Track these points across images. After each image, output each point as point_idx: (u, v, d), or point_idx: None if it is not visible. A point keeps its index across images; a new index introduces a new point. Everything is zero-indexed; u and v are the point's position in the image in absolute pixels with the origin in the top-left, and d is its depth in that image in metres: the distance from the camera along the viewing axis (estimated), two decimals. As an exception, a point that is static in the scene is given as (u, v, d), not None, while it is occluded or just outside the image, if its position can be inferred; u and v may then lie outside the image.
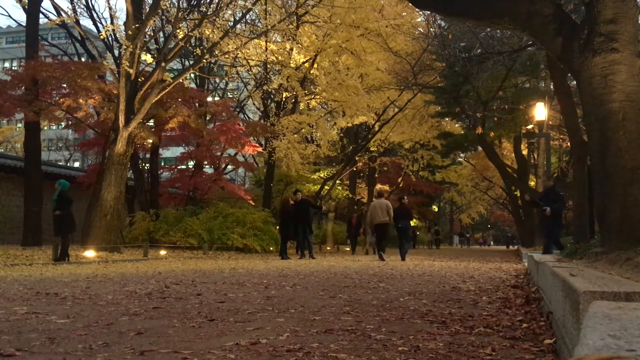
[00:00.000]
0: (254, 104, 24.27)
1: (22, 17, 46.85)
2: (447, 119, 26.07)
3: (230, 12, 16.20)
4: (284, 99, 19.73)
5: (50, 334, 2.51)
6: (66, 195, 10.11)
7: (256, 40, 17.08)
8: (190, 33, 13.45)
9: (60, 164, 32.54)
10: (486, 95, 18.64)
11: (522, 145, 24.17)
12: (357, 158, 24.06)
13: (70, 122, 17.68)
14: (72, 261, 9.81)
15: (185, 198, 19.62)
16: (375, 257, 13.55)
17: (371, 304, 3.76)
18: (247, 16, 18.10)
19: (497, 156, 21.01)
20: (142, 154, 20.12)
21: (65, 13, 14.53)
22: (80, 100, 15.84)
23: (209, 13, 14.15)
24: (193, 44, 18.89)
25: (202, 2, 16.17)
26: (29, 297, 4.06)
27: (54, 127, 40.00)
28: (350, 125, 20.59)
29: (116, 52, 16.00)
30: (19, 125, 32.39)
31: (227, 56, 16.60)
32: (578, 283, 1.81)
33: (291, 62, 18.50)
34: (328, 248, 22.05)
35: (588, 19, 4.63)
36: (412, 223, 16.64)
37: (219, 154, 19.95)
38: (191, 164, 22.42)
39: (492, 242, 72.70)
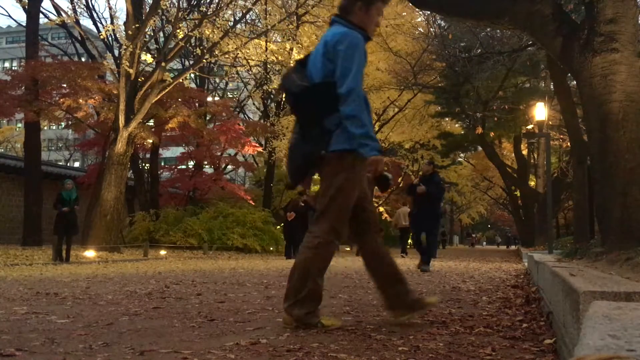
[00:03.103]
0: (254, 104, 24.27)
1: (22, 17, 46.90)
2: (447, 119, 26.07)
3: (230, 12, 16.23)
4: (284, 99, 19.72)
5: (50, 334, 2.51)
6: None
7: (256, 40, 17.07)
8: (190, 33, 13.45)
9: (60, 164, 32.53)
10: (486, 95, 18.63)
11: (522, 145, 24.16)
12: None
13: (70, 122, 17.69)
14: (72, 261, 9.82)
15: (185, 198, 19.63)
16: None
17: (371, 304, 3.76)
18: (247, 16, 18.09)
19: (497, 156, 21.01)
20: (142, 154, 20.12)
21: (65, 13, 14.55)
22: (80, 100, 15.84)
23: (209, 13, 14.16)
24: (193, 44, 18.89)
25: (202, 2, 16.18)
26: (29, 297, 4.06)
27: (54, 127, 39.98)
28: (350, 125, 20.56)
29: (116, 52, 16.00)
30: (19, 125, 32.40)
31: (227, 56, 16.60)
32: (578, 283, 1.81)
33: (291, 62, 18.49)
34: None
35: (588, 19, 4.63)
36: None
37: (219, 154, 19.95)
38: (191, 164, 22.42)
39: (484, 243, 70.81)
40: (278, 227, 17.05)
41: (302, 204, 13.59)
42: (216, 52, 14.95)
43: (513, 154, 25.32)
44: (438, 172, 9.49)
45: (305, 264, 2.67)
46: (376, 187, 2.85)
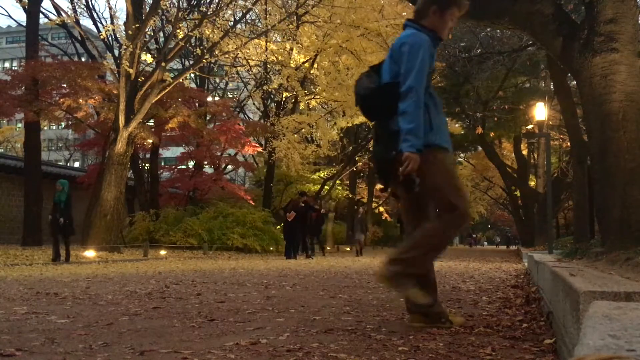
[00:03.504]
0: (254, 104, 24.28)
1: (22, 17, 46.93)
2: (447, 119, 26.02)
3: (230, 12, 16.23)
4: (284, 99, 19.73)
5: (50, 334, 2.51)
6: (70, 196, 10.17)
7: (256, 40, 17.08)
8: (190, 33, 13.45)
9: (60, 164, 32.54)
10: (486, 95, 18.65)
11: (522, 145, 24.17)
12: (357, 158, 24.06)
13: (70, 122, 17.69)
14: (72, 261, 9.82)
15: (185, 198, 19.63)
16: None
17: (371, 304, 3.76)
18: (247, 16, 18.11)
19: (497, 156, 21.02)
20: (142, 154, 20.12)
21: (65, 13, 14.55)
22: (80, 100, 15.84)
23: (209, 13, 14.16)
24: (193, 44, 18.89)
25: (202, 2, 16.18)
26: (29, 297, 4.06)
27: (54, 127, 40.00)
28: (350, 125, 20.60)
29: (116, 52, 16.00)
30: (19, 125, 32.39)
31: (227, 56, 16.61)
32: (578, 283, 1.81)
33: (291, 62, 18.50)
34: (328, 248, 22.05)
35: (588, 19, 4.63)
36: None
37: (219, 154, 19.95)
38: (191, 164, 22.43)
39: (485, 243, 70.44)
40: (278, 227, 17.05)
41: (302, 204, 13.62)
42: (216, 52, 14.95)
43: (513, 154, 25.32)
44: None
45: (428, 232, 2.68)
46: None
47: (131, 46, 12.02)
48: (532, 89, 21.35)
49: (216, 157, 19.89)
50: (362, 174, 29.86)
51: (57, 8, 14.66)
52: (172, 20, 13.91)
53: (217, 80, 24.27)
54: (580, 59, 4.56)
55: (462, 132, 26.38)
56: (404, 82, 2.62)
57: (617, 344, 0.82)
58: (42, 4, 16.18)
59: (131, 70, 12.31)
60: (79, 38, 16.72)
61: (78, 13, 15.77)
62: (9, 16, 30.27)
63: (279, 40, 19.32)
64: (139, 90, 12.69)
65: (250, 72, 21.82)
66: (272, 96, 20.36)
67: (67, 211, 9.87)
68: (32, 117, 14.78)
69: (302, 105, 20.77)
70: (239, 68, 20.36)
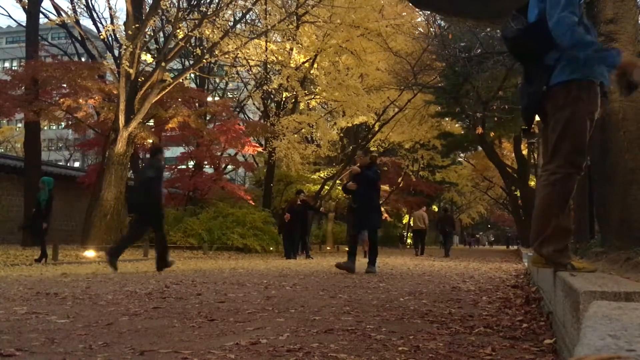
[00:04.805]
0: (254, 104, 24.27)
1: (22, 17, 46.92)
2: (447, 119, 26.07)
3: (230, 12, 16.23)
4: (284, 99, 19.73)
5: (50, 334, 2.51)
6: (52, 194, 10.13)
7: (256, 40, 17.07)
8: (190, 33, 13.45)
9: (60, 164, 32.53)
10: (486, 95, 18.63)
11: (522, 145, 24.16)
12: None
13: (70, 122, 17.68)
14: (72, 261, 9.82)
15: (185, 198, 19.62)
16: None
17: (371, 304, 3.76)
18: (247, 16, 18.11)
19: (497, 156, 21.02)
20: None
21: (65, 13, 14.55)
22: (80, 100, 15.83)
23: (209, 13, 14.16)
24: (193, 44, 18.89)
25: (202, 2, 16.18)
26: (29, 297, 4.06)
27: (54, 127, 39.98)
28: (350, 125, 20.60)
29: (116, 52, 15.99)
30: (19, 125, 32.41)
31: (227, 56, 16.60)
32: (578, 283, 1.81)
33: (291, 62, 18.49)
34: (328, 248, 22.05)
35: (588, 19, 4.63)
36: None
37: (219, 154, 19.95)
38: (191, 164, 22.42)
39: (486, 243, 69.72)
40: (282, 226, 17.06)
41: (300, 202, 13.60)
42: (216, 52, 14.95)
43: (513, 154, 25.32)
44: (377, 163, 8.03)
45: (545, 201, 2.68)
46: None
47: (131, 46, 12.02)
48: (532, 89, 21.32)
49: (216, 157, 19.89)
50: (362, 174, 29.77)
51: (57, 8, 14.67)
52: (172, 20, 13.90)
53: (217, 80, 24.26)
54: (580, 59, 4.55)
55: (462, 132, 26.40)
56: (552, 17, 2.60)
57: (617, 344, 0.82)
58: (42, 4, 16.19)
59: (131, 70, 12.31)
60: (79, 38, 16.72)
61: (78, 13, 15.77)
62: (9, 16, 30.32)
63: (279, 40, 19.32)
64: (139, 90, 12.69)
65: (250, 72, 21.81)
66: (272, 96, 20.36)
67: (47, 213, 9.75)
68: (32, 117, 14.78)
69: (302, 105, 20.76)
70: (239, 68, 20.35)
